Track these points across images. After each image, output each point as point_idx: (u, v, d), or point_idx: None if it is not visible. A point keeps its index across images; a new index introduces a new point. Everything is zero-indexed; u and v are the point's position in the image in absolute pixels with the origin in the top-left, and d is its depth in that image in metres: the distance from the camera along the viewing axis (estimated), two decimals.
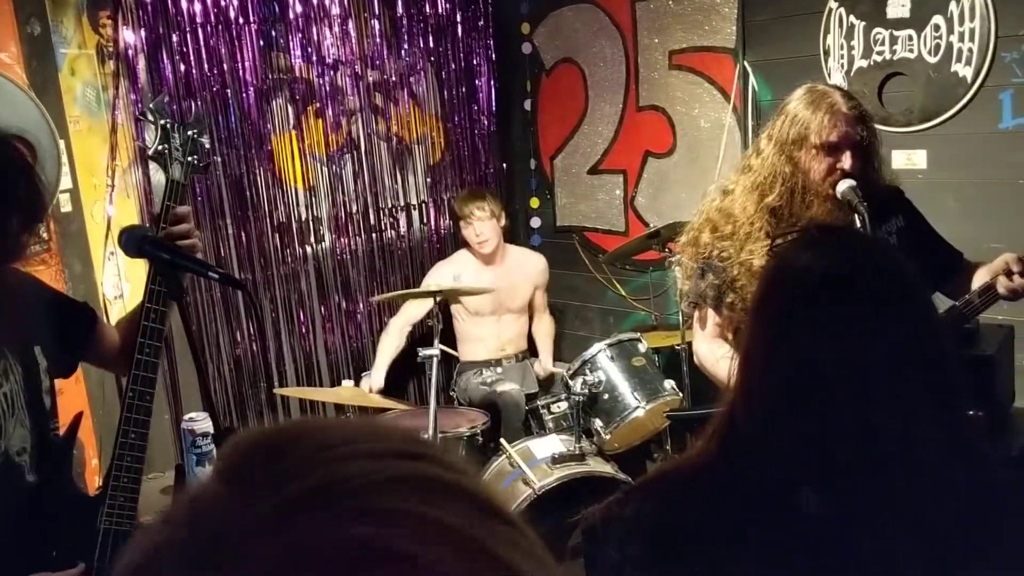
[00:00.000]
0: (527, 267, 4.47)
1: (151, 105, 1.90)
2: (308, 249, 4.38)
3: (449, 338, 4.32)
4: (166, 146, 1.87)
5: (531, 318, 4.53)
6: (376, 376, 4.11)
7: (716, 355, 2.48)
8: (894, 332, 1.03)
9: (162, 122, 1.87)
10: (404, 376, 4.61)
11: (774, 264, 1.13)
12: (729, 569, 1.05)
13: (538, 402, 3.89)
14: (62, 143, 3.09)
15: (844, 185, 2.44)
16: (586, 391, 3.48)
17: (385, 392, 4.09)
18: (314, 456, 0.47)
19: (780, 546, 1.02)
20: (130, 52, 3.63)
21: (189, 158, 1.88)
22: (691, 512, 1.10)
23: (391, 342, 4.23)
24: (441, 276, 4.18)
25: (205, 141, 1.93)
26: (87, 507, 1.73)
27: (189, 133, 1.89)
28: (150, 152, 1.89)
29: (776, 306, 1.08)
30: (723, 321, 2.45)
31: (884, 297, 1.04)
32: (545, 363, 4.37)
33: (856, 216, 2.39)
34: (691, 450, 1.17)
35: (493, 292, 4.05)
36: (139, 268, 3.63)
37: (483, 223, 4.20)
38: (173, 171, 1.86)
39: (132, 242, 1.61)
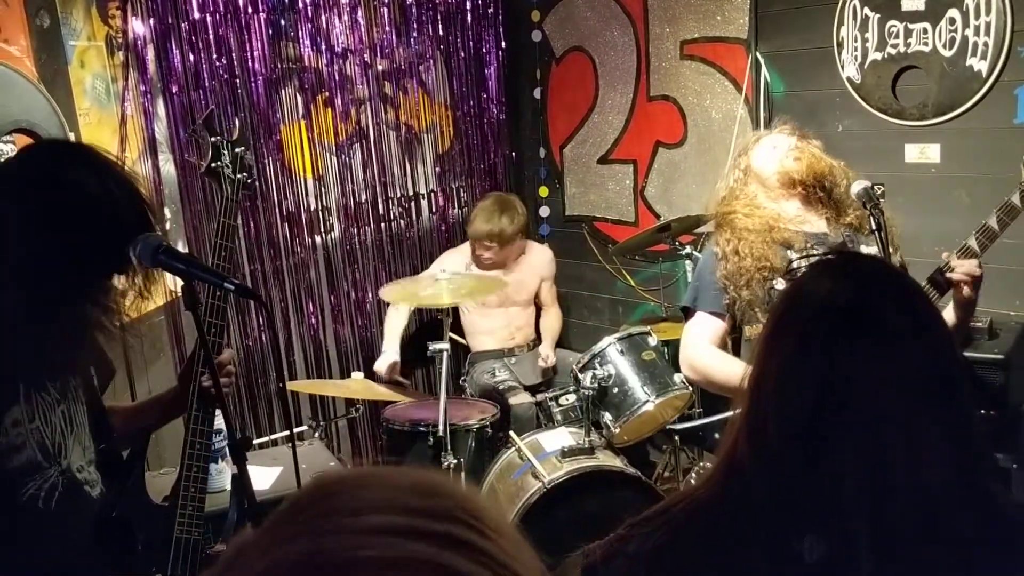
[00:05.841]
0: (534, 261, 4.45)
1: (200, 122, 1.96)
2: (317, 239, 4.37)
3: (456, 329, 4.31)
4: (219, 163, 1.93)
5: (538, 310, 4.52)
6: (389, 352, 4.07)
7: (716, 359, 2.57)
8: (912, 366, 1.01)
9: (213, 139, 1.93)
10: (415, 367, 4.61)
11: (792, 290, 1.11)
12: None
13: (547, 395, 3.89)
14: (72, 136, 3.07)
15: (859, 186, 2.44)
16: (596, 385, 3.48)
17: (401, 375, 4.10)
18: (323, 519, 0.53)
19: None
20: (139, 43, 3.61)
21: (239, 175, 1.96)
22: (692, 551, 1.08)
23: (399, 319, 4.22)
24: (452, 264, 4.11)
25: (250, 159, 1.99)
26: (158, 516, 1.77)
27: (237, 151, 1.96)
28: (202, 170, 1.97)
29: (794, 333, 1.06)
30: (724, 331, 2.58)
31: (903, 329, 1.03)
32: (545, 355, 4.32)
33: (870, 217, 2.38)
34: (697, 483, 1.15)
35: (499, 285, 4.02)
36: None
37: (490, 251, 4.20)
38: (226, 189, 1.93)
39: (147, 251, 1.61)
